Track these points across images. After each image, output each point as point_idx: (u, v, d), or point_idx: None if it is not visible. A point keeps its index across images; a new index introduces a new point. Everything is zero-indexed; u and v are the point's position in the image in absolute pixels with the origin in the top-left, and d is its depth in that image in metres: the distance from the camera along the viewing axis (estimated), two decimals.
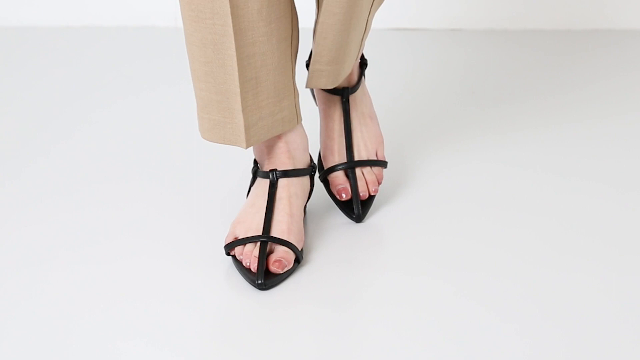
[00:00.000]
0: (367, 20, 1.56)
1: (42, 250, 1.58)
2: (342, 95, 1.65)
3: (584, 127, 1.94)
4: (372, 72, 1.93)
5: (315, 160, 1.72)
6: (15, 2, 2.50)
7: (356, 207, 1.62)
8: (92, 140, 1.93)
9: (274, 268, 1.48)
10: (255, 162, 1.61)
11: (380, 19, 2.29)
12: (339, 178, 1.64)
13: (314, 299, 1.47)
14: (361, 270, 1.54)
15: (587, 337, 1.37)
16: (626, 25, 2.44)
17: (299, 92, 1.60)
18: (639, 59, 2.29)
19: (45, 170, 1.82)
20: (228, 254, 1.52)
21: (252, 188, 1.59)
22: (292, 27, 1.51)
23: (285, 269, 1.49)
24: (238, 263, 1.51)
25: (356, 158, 1.65)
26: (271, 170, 1.55)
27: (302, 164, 1.58)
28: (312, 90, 1.72)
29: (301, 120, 1.57)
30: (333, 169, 1.64)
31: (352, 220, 1.63)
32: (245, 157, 1.76)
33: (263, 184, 1.56)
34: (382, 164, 1.67)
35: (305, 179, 1.59)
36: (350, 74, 1.66)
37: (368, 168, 1.65)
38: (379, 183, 1.65)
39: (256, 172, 1.59)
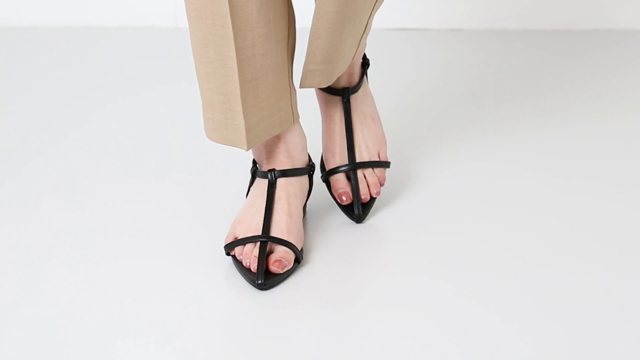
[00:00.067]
0: (368, 20, 1.56)
1: (42, 250, 1.58)
2: (342, 96, 1.65)
3: (584, 127, 1.94)
4: (372, 71, 1.93)
5: (316, 160, 1.72)
6: (15, 2, 2.50)
7: (357, 208, 1.62)
8: (92, 140, 1.93)
9: (274, 268, 1.48)
10: (254, 162, 1.61)
11: (381, 19, 2.29)
12: (339, 181, 1.64)
13: (314, 299, 1.47)
14: (361, 270, 1.54)
15: (587, 337, 1.37)
16: (626, 25, 2.44)
17: (297, 91, 1.60)
18: (639, 59, 2.29)
19: (45, 170, 1.82)
20: (228, 254, 1.52)
21: (251, 188, 1.59)
22: (289, 26, 1.50)
23: (285, 269, 1.49)
24: (238, 263, 1.51)
25: (357, 159, 1.65)
26: (270, 170, 1.55)
27: (300, 163, 1.58)
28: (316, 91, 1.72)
29: (298, 119, 1.57)
30: (334, 171, 1.64)
31: (353, 220, 1.63)
32: (245, 157, 1.76)
33: (262, 184, 1.56)
34: (384, 164, 1.66)
35: (304, 179, 1.59)
36: (351, 74, 1.66)
37: (370, 169, 1.65)
38: (381, 185, 1.65)
39: (255, 172, 1.59)
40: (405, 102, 2.05)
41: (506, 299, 1.45)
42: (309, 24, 1.51)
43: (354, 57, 1.59)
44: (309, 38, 1.51)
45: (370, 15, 1.56)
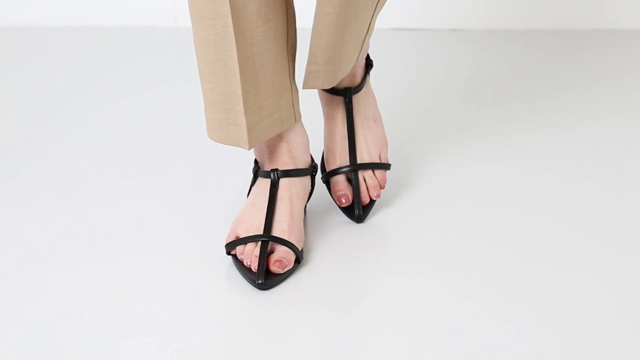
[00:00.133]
0: (370, 21, 1.56)
1: (42, 250, 1.58)
2: (344, 96, 1.65)
3: (584, 128, 1.94)
4: (372, 71, 1.93)
5: (317, 161, 1.72)
6: (15, 2, 2.50)
7: (357, 209, 1.62)
8: (92, 140, 1.93)
9: (274, 268, 1.48)
10: (255, 161, 1.61)
11: (381, 19, 2.29)
12: (340, 183, 1.64)
13: (314, 299, 1.47)
14: (361, 270, 1.54)
15: (587, 337, 1.37)
16: (626, 25, 2.44)
17: (299, 91, 1.60)
18: (639, 59, 2.29)
19: (45, 170, 1.82)
20: (229, 253, 1.52)
21: (252, 187, 1.59)
22: (287, 24, 1.50)
23: (286, 269, 1.49)
24: (238, 263, 1.51)
25: (358, 161, 1.65)
26: (272, 170, 1.55)
27: (303, 163, 1.58)
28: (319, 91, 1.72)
29: (300, 119, 1.57)
30: (335, 172, 1.64)
31: (353, 220, 1.63)
32: (245, 157, 1.76)
33: (264, 184, 1.56)
34: (385, 166, 1.66)
35: (306, 179, 1.59)
36: (354, 74, 1.66)
37: (370, 171, 1.65)
38: (382, 187, 1.65)
39: (257, 172, 1.59)
40: (405, 102, 2.05)
41: (506, 299, 1.45)
42: (310, 24, 1.51)
43: (357, 59, 1.59)
44: (311, 39, 1.51)
45: (373, 16, 1.55)
